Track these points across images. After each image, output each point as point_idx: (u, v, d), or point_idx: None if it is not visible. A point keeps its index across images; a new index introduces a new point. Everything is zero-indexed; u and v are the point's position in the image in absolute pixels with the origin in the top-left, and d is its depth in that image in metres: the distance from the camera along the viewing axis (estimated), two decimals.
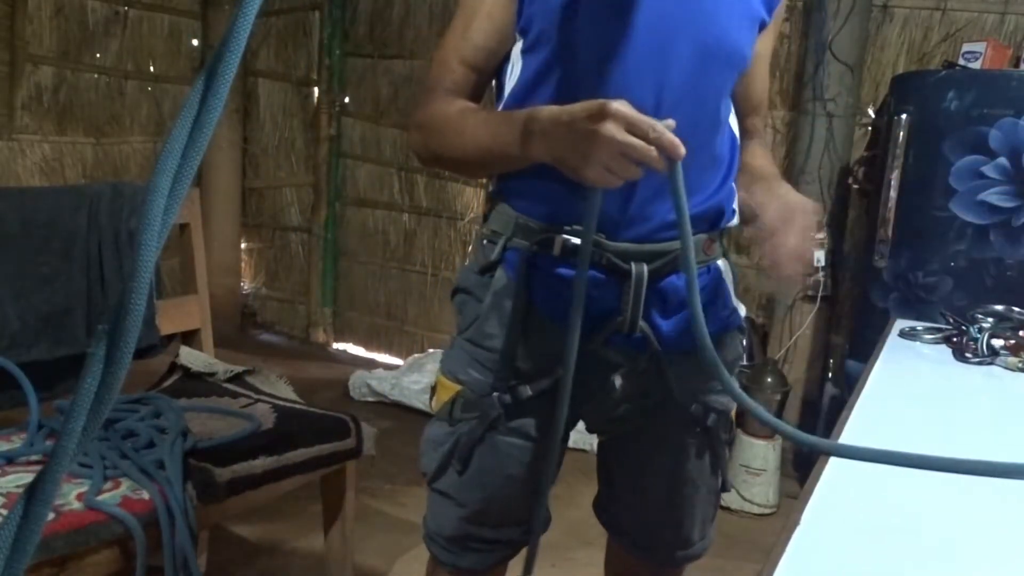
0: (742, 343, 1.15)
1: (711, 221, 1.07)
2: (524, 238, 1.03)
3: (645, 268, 0.99)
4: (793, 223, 0.93)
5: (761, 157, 1.12)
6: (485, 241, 1.10)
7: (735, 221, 1.10)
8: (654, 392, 1.07)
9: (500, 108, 1.06)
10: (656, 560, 1.21)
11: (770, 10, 1.06)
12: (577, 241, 0.99)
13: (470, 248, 3.95)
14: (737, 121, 1.10)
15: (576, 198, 0.95)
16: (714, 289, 1.08)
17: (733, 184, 1.08)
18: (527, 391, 1.05)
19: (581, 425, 1.25)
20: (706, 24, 0.97)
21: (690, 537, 1.17)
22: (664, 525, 1.17)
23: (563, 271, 1.01)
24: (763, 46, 1.09)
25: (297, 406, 1.81)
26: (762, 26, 1.05)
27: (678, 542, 1.18)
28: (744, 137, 1.11)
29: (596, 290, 0.99)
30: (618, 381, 1.05)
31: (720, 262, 1.10)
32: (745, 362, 3.08)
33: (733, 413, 1.15)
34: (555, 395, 1.03)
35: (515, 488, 1.10)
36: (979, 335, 1.40)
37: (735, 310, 1.12)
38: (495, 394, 1.06)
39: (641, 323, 1.02)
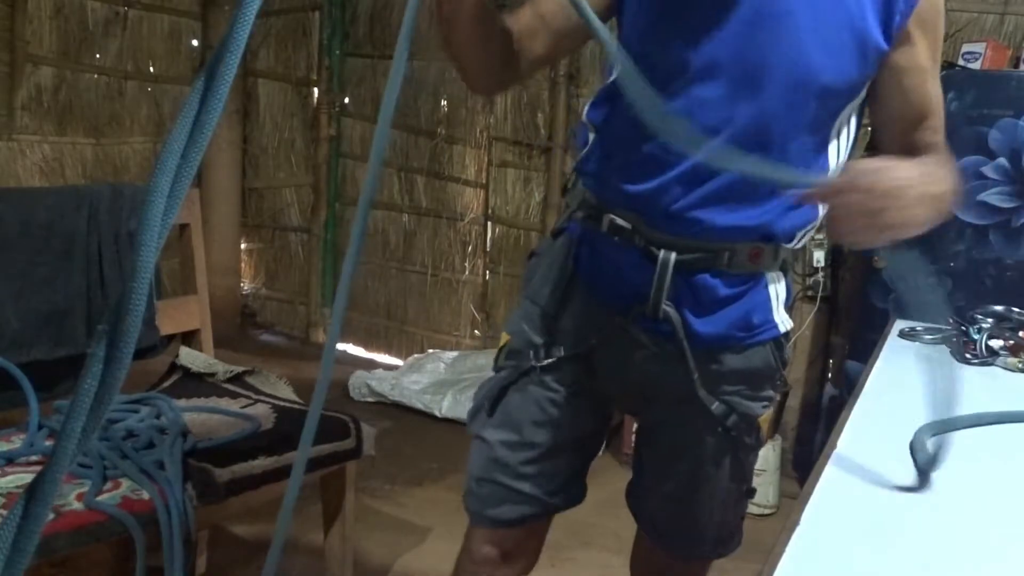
0: (776, 357, 1.13)
1: (761, 233, 1.05)
2: (583, 211, 1.10)
3: (673, 256, 1.02)
4: (855, 183, 0.85)
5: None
6: (564, 209, 1.18)
7: (795, 243, 1.09)
8: (678, 383, 1.08)
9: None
10: (672, 550, 1.23)
11: (888, 32, 0.99)
12: (622, 223, 1.05)
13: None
14: (898, 140, 1.07)
15: (628, 183, 1.02)
16: (751, 298, 1.09)
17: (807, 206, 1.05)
18: (560, 351, 1.12)
19: None
20: (796, 57, 0.96)
21: (703, 535, 1.19)
22: (679, 518, 1.19)
23: (607, 248, 1.08)
24: (904, 59, 1.01)
25: (297, 406, 1.81)
26: (880, 51, 0.99)
27: (693, 537, 1.19)
28: (912, 153, 1.04)
29: (633, 271, 1.05)
30: (638, 357, 1.09)
31: (769, 275, 1.09)
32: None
33: (762, 420, 1.14)
34: (587, 361, 1.10)
35: (536, 439, 1.14)
36: (978, 336, 1.40)
37: (772, 324, 1.11)
38: (532, 348, 1.13)
39: (668, 310, 1.04)
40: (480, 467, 1.17)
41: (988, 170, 2.34)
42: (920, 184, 0.87)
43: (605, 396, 1.17)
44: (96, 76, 3.77)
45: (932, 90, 1.06)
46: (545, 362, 1.12)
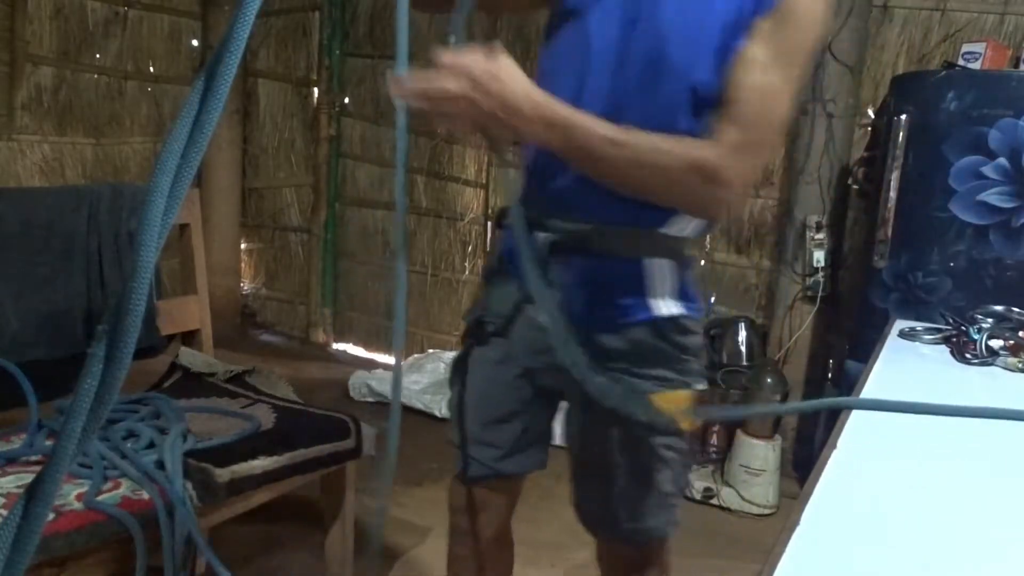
0: (664, 339, 1.14)
1: (630, 218, 1.09)
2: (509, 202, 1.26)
3: (547, 237, 1.12)
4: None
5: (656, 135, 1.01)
6: None
7: (672, 230, 1.11)
8: (570, 358, 1.13)
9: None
10: (593, 531, 1.28)
11: (748, 30, 1.01)
12: (523, 209, 1.15)
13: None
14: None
15: (527, 173, 1.17)
16: (625, 280, 1.13)
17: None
18: (490, 327, 1.25)
19: None
20: (656, 53, 1.04)
21: (616, 516, 1.20)
22: (589, 497, 1.24)
23: (512, 232, 1.17)
24: (750, 50, 1.01)
25: (297, 406, 1.81)
26: (731, 49, 1.01)
27: (605, 517, 1.22)
28: (705, 134, 1.04)
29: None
30: (539, 334, 1.14)
31: (649, 260, 1.12)
32: (745, 362, 3.08)
33: (666, 400, 1.13)
34: (504, 335, 1.23)
35: (477, 409, 1.28)
36: (978, 335, 1.40)
37: (645, 307, 1.13)
38: (471, 326, 1.29)
39: (545, 290, 1.11)
40: (450, 430, 1.33)
41: (988, 170, 2.34)
42: (510, 107, 0.94)
43: (530, 369, 1.23)
44: (96, 76, 3.77)
45: (748, 81, 1.00)
46: (481, 336, 1.27)
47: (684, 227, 1.12)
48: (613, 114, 1.01)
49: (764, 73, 1.00)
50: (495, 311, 1.24)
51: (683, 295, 1.14)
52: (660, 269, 1.12)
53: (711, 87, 1.02)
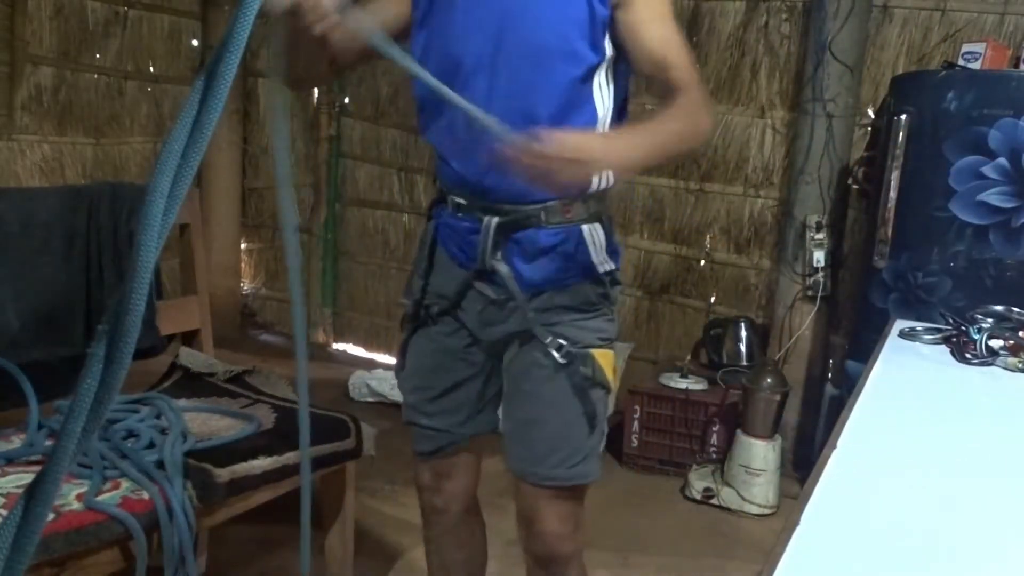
0: (599, 293, 1.30)
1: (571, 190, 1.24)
2: (438, 196, 1.38)
3: (495, 221, 1.25)
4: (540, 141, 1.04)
5: (655, 120, 1.19)
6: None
7: (594, 188, 1.26)
8: (518, 323, 1.28)
9: None
10: (514, 471, 1.33)
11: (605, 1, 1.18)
12: (459, 200, 1.30)
13: None
14: (657, 84, 1.23)
15: (458, 172, 1.28)
16: (570, 244, 1.28)
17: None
18: (435, 308, 1.37)
19: None
20: (528, 26, 1.18)
21: (543, 459, 1.29)
22: (527, 440, 1.32)
23: (452, 221, 1.32)
24: (627, 18, 1.20)
25: (297, 406, 1.81)
26: (604, 18, 1.19)
27: (530, 459, 1.30)
28: (666, 96, 1.21)
29: (471, 236, 1.28)
30: (487, 306, 1.31)
31: (585, 226, 1.27)
32: (745, 362, 3.08)
33: (598, 354, 1.28)
34: (456, 313, 1.35)
35: (432, 383, 1.39)
36: (978, 335, 1.40)
37: (590, 264, 1.29)
38: (415, 309, 1.39)
39: (497, 264, 1.26)
40: (406, 413, 1.44)
41: (988, 170, 2.34)
42: (591, 155, 1.08)
43: (479, 339, 1.36)
44: (96, 76, 3.76)
45: (659, 36, 1.20)
46: (425, 318, 1.38)
47: (602, 180, 1.27)
48: (522, 108, 1.17)
49: (662, 27, 1.21)
50: (439, 293, 1.36)
51: (612, 250, 1.32)
52: (593, 231, 1.29)
53: (593, 59, 1.20)
